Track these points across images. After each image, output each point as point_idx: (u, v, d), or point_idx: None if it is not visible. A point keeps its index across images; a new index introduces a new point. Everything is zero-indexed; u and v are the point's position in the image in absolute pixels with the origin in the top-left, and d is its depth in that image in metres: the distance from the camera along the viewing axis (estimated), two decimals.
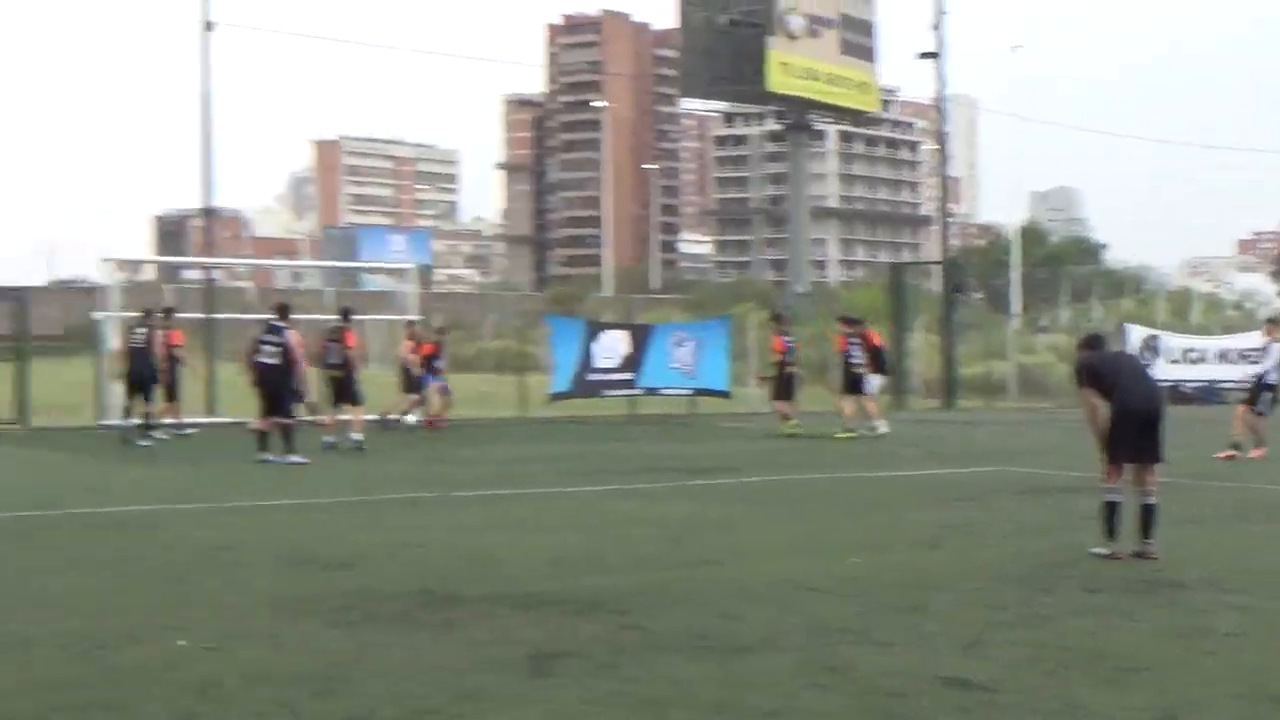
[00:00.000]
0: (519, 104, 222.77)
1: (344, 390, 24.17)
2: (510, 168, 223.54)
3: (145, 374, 24.83)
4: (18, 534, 13.96)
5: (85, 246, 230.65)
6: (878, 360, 28.52)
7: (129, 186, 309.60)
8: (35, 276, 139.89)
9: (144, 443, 24.61)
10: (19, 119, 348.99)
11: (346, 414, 24.26)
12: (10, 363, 29.35)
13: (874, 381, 28.31)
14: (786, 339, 29.08)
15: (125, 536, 14.00)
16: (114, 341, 27.79)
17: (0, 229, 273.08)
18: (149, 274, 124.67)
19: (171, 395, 26.94)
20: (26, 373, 28.77)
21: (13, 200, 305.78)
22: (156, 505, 16.51)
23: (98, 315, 29.96)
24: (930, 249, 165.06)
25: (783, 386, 28.77)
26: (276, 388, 21.65)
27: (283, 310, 22.65)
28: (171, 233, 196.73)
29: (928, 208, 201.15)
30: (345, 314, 25.43)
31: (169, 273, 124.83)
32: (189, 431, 27.16)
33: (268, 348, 21.51)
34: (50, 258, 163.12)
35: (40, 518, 15.28)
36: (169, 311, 27.80)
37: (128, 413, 25.28)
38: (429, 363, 29.86)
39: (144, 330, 25.12)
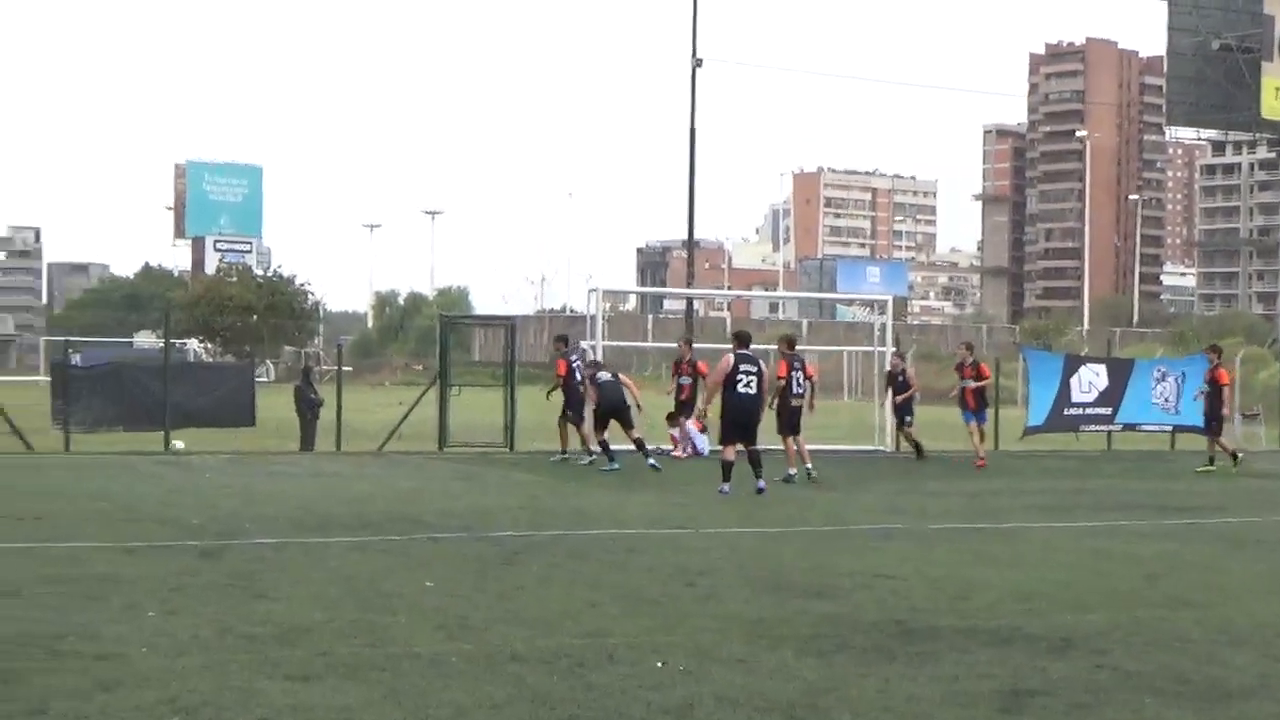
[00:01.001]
0: (999, 134, 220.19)
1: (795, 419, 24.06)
2: (988, 199, 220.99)
3: (616, 403, 25.72)
4: (505, 554, 14.54)
5: (573, 276, 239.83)
6: None
7: (618, 218, 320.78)
8: (524, 306, 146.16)
9: (584, 462, 25.80)
10: (516, 157, 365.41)
11: (793, 444, 24.23)
12: (500, 388, 30.67)
13: None
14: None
15: (604, 559, 14.41)
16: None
17: (500, 261, 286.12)
18: (631, 304, 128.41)
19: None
20: (514, 398, 30.01)
21: (510, 233, 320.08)
22: (633, 530, 16.94)
23: (584, 344, 31.06)
24: None
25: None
26: (753, 417, 21.87)
27: (790, 342, 23.17)
28: (654, 263, 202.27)
29: None
30: (790, 342, 25.54)
31: (652, 303, 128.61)
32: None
33: (747, 377, 21.60)
34: (540, 287, 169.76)
35: (525, 539, 15.87)
36: (564, 340, 28.67)
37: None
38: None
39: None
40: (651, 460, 25.41)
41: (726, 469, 21.43)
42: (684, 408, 28.88)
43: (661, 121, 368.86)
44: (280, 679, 8.73)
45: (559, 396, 27.00)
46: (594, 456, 26.08)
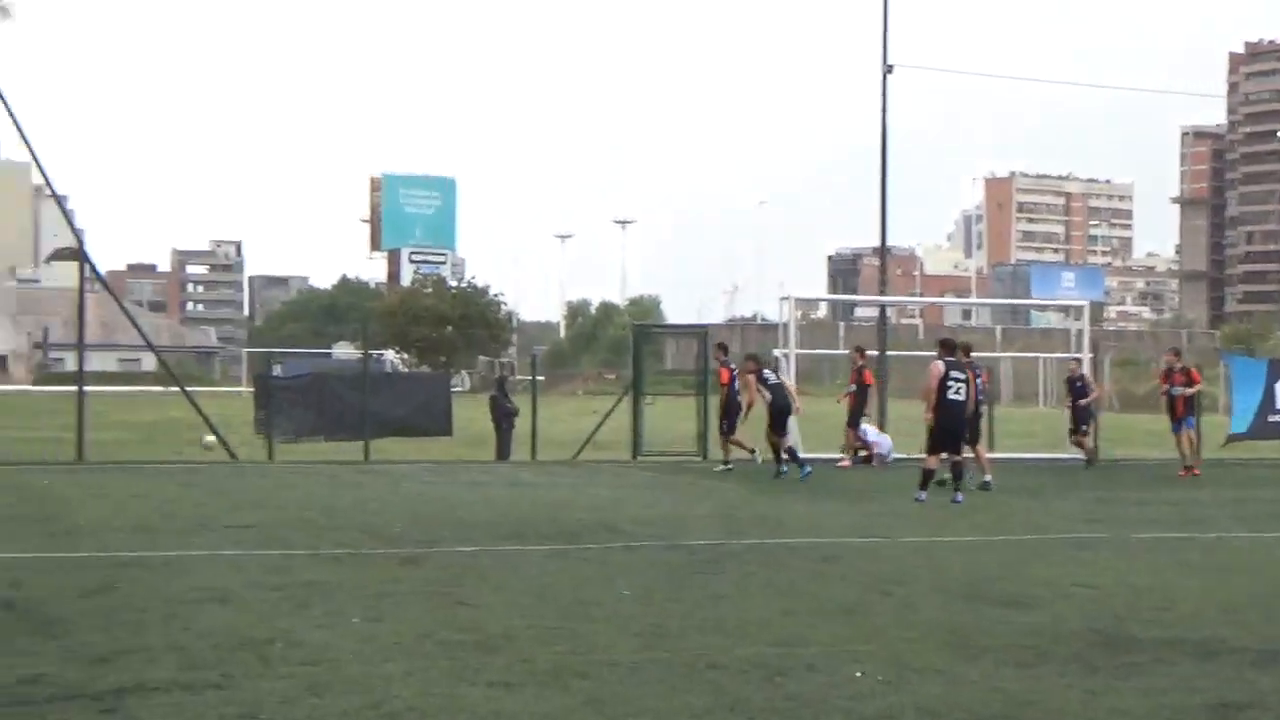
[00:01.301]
0: (1197, 136, 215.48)
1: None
2: (1186, 201, 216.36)
3: (785, 406, 25.91)
4: (700, 562, 14.58)
5: (764, 285, 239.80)
6: None
7: (808, 226, 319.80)
8: (716, 314, 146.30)
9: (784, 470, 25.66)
10: (707, 166, 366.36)
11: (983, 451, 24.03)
12: (693, 397, 30.76)
13: None
14: None
15: (800, 567, 14.38)
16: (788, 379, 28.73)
17: (692, 270, 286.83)
18: (823, 311, 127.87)
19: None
20: (707, 407, 30.05)
21: (701, 242, 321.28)
22: (829, 538, 16.89)
23: (776, 352, 31.07)
24: None
25: None
26: (960, 425, 21.69)
27: (966, 349, 22.90)
28: (845, 271, 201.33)
29: None
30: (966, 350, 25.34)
31: (843, 310, 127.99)
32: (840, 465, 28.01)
33: (956, 384, 21.41)
34: (732, 296, 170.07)
35: (720, 547, 15.90)
36: (723, 347, 28.55)
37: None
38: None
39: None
40: (784, 468, 25.56)
41: (927, 477, 21.27)
42: (853, 416, 28.80)
43: (852, 128, 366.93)
44: (482, 685, 8.86)
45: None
46: (729, 467, 26.51)
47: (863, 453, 28.91)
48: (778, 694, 8.76)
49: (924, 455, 21.93)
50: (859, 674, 9.26)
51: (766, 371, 26.62)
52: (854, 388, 28.85)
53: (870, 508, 20.87)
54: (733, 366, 27.11)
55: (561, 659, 9.64)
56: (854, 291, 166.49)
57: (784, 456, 25.73)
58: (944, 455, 21.51)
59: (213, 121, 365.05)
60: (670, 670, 9.35)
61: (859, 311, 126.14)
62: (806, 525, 18.30)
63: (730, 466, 26.63)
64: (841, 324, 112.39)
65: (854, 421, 28.84)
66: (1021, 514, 20.29)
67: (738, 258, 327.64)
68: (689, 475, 25.68)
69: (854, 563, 14.78)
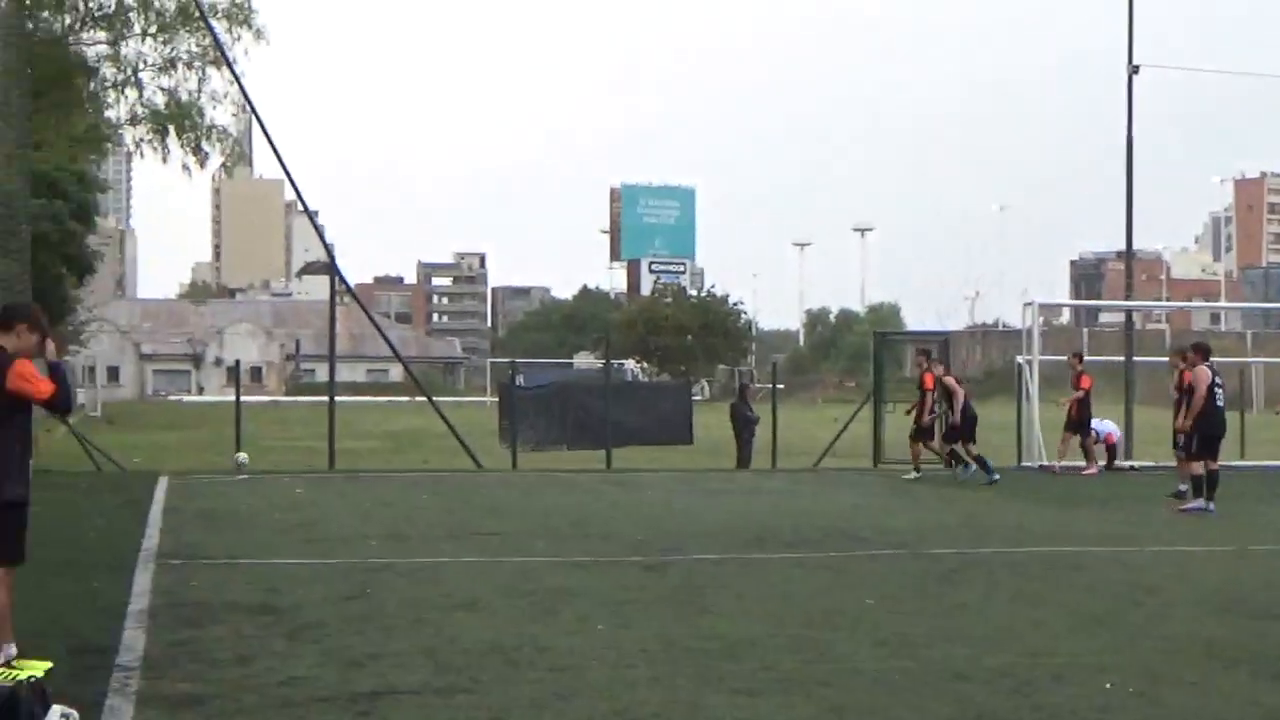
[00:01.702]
0: None
1: None
2: None
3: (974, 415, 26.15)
4: (944, 571, 14.45)
5: (1006, 291, 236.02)
6: None
7: (1050, 231, 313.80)
8: (957, 321, 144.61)
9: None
10: (945, 172, 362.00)
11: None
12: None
13: None
14: None
15: (1046, 576, 14.17)
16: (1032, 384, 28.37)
17: (932, 277, 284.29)
18: (1065, 317, 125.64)
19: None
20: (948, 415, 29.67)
21: (941, 248, 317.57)
22: (1075, 546, 16.59)
23: (1020, 359, 30.63)
24: None
25: None
26: (1222, 431, 21.19)
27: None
28: (1088, 276, 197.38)
29: None
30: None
31: (1087, 316, 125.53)
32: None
33: (1220, 390, 20.88)
34: (973, 302, 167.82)
35: (964, 555, 15.72)
36: (926, 354, 28.03)
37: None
38: None
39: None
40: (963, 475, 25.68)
41: (1199, 484, 20.75)
42: (1074, 424, 28.12)
43: (1094, 130, 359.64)
44: (726, 692, 8.91)
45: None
46: (964, 470, 26.11)
47: (1100, 464, 28.25)
48: (1025, 704, 8.65)
49: (1184, 461, 21.42)
50: (1109, 685, 9.10)
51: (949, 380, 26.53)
52: (1077, 393, 28.25)
53: (1115, 516, 20.46)
54: (938, 371, 26.82)
55: (805, 667, 9.64)
56: (1097, 297, 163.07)
57: (969, 463, 25.78)
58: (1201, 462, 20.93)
59: (457, 135, 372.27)
60: (915, 679, 9.30)
61: (1103, 317, 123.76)
62: (1050, 533, 18.01)
63: (919, 474, 26.35)
64: (1085, 330, 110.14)
65: (1081, 428, 28.20)
66: (1277, 524, 19.71)
67: (978, 263, 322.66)
68: (931, 483, 25.42)
69: (1101, 572, 14.51)
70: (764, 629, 10.94)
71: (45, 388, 9.20)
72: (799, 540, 16.84)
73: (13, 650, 9.14)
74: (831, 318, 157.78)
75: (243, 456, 26.38)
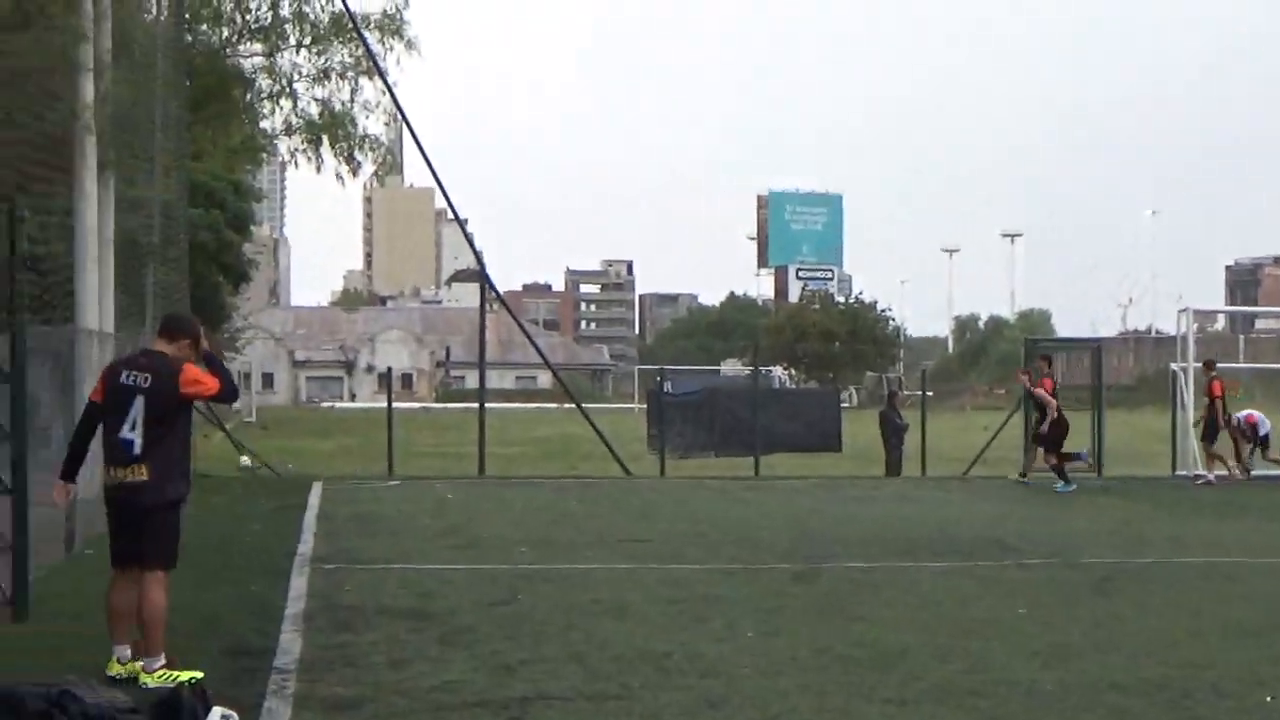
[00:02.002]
0: None
1: None
2: None
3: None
4: (1096, 581, 14.26)
5: (1159, 297, 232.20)
6: None
7: (1204, 236, 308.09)
8: (1110, 328, 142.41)
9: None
10: (1096, 176, 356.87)
11: None
12: (1086, 412, 30.01)
13: None
14: None
15: (1202, 587, 13.94)
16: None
17: (1083, 282, 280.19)
18: (1221, 324, 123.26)
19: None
20: (1101, 422, 29.29)
21: (1093, 254, 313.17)
22: (1231, 558, 16.29)
23: (1174, 366, 30.11)
24: None
25: None
26: None
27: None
28: (1243, 281, 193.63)
29: None
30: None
31: (1244, 323, 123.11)
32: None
33: None
34: (1126, 309, 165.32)
35: (1117, 566, 15.50)
36: (1048, 359, 27.53)
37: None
38: None
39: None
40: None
41: None
42: (1208, 431, 27.57)
43: (1248, 130, 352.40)
44: (878, 702, 8.86)
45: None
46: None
47: (1225, 472, 27.57)
48: (1183, 717, 8.53)
49: None
50: (1269, 699, 8.94)
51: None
52: (1208, 401, 27.71)
53: (1271, 526, 20.07)
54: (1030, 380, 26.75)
55: (957, 677, 9.57)
56: (1253, 303, 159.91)
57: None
58: None
59: (605, 143, 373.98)
60: (1070, 690, 9.19)
61: (1260, 324, 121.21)
62: (1204, 543, 17.72)
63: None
64: (1241, 337, 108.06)
65: (1209, 436, 27.66)
66: None
67: (1131, 269, 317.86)
68: (1083, 492, 25.07)
69: (1257, 583, 14.25)
70: (914, 638, 10.87)
71: (213, 384, 9.54)
72: (949, 549, 16.70)
73: (160, 661, 9.34)
74: (981, 324, 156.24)
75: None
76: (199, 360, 9.66)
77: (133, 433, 9.29)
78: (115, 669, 9.34)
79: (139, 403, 9.30)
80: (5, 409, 11.73)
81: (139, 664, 9.32)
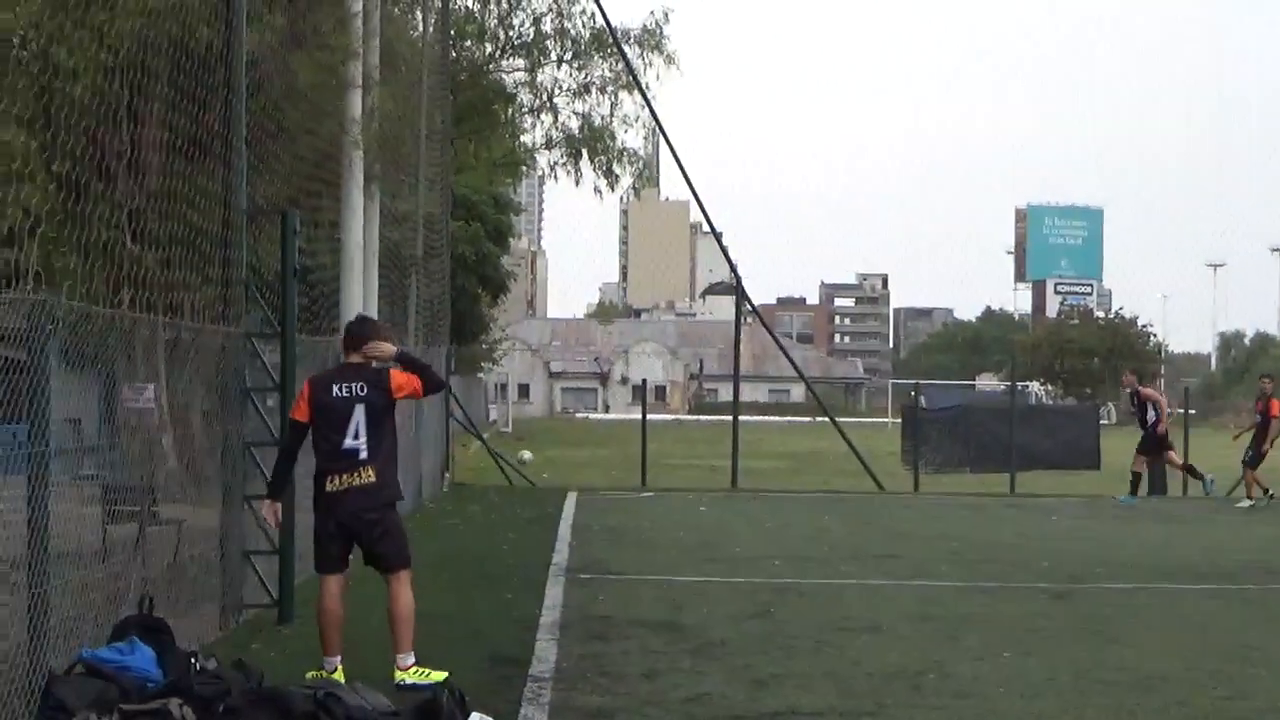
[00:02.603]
0: None
1: None
2: None
3: None
4: (1246, 598, 13.75)
5: None
6: None
7: None
8: None
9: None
10: None
11: None
12: None
13: None
14: None
15: None
16: None
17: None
18: None
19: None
20: None
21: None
22: None
23: None
24: None
25: None
26: None
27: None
28: None
29: None
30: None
31: None
32: None
33: None
34: None
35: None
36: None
37: None
38: None
39: None
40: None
41: None
42: (1253, 454, 26.04)
43: None
44: None
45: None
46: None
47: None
48: None
49: None
50: None
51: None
52: (1260, 418, 26.14)
53: None
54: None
55: (1221, 704, 9.29)
56: None
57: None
58: None
59: (860, 155, 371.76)
60: None
61: None
62: None
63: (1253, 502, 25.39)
64: None
65: (1254, 461, 26.01)
66: None
67: None
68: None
69: None
70: (1178, 663, 10.58)
71: (416, 383, 9.94)
72: (1213, 571, 16.23)
73: (413, 658, 9.62)
74: (1246, 341, 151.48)
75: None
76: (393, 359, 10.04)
77: (357, 440, 9.65)
78: (399, 675, 9.56)
79: (359, 412, 9.67)
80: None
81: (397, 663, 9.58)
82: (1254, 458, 25.74)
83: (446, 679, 9.08)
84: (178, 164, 11.34)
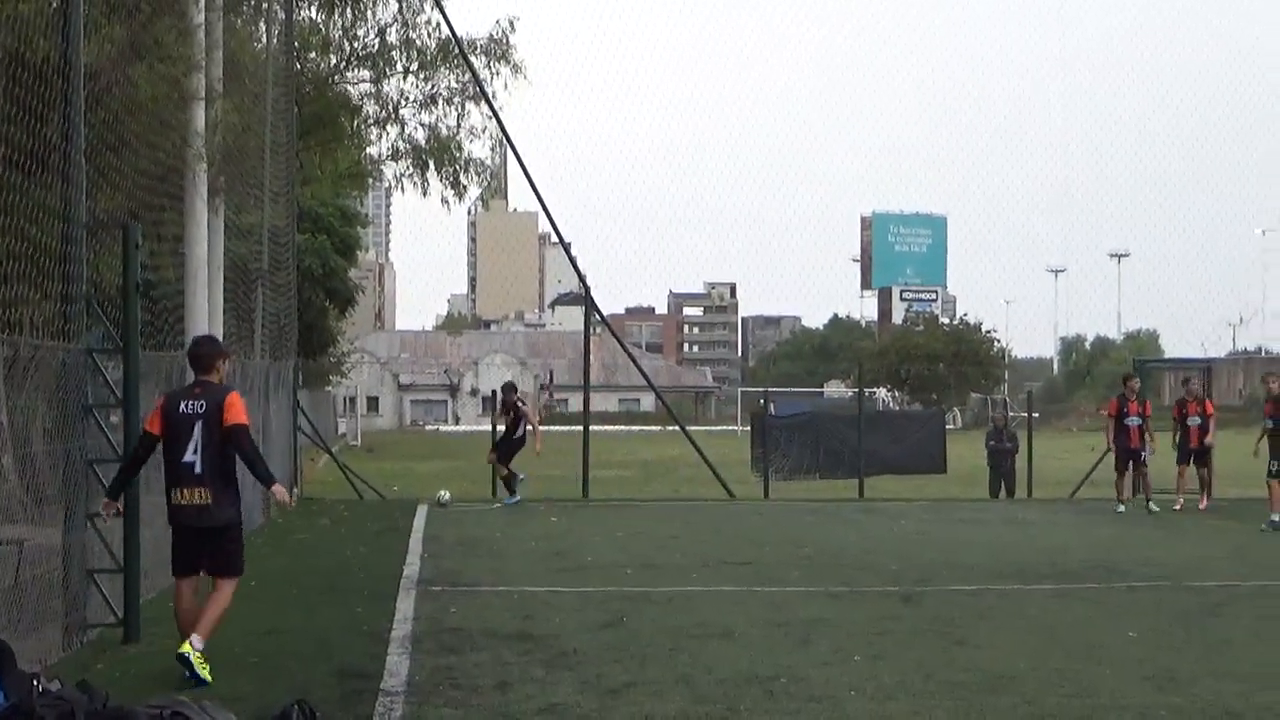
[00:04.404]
0: None
1: None
2: None
3: None
4: (1210, 605, 14.05)
5: (1268, 318, 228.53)
6: None
7: None
8: (1219, 349, 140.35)
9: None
10: (1203, 195, 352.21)
11: None
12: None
13: None
14: None
15: None
16: None
17: (1192, 303, 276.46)
18: None
19: None
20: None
21: (1201, 274, 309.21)
22: None
23: None
24: None
25: None
26: None
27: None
28: None
29: None
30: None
31: None
32: None
33: None
34: (1235, 329, 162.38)
35: (1230, 589, 15.27)
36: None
37: None
38: None
39: None
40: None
41: None
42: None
43: None
44: None
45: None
46: None
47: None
48: None
49: None
50: None
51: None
52: (1270, 423, 25.63)
53: None
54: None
55: (1067, 702, 9.46)
56: None
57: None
58: None
59: (706, 166, 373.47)
60: (1183, 716, 9.07)
61: None
62: None
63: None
64: None
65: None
66: None
67: (1241, 289, 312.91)
68: (1192, 514, 24.74)
69: None
70: (1024, 663, 10.76)
71: (242, 432, 10.39)
72: (1057, 572, 16.52)
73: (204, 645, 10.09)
74: (1087, 345, 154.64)
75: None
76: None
77: (194, 456, 10.21)
78: (187, 648, 10.01)
79: (198, 429, 10.23)
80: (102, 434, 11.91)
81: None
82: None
83: (300, 700, 8.94)
84: (14, 178, 11.10)
